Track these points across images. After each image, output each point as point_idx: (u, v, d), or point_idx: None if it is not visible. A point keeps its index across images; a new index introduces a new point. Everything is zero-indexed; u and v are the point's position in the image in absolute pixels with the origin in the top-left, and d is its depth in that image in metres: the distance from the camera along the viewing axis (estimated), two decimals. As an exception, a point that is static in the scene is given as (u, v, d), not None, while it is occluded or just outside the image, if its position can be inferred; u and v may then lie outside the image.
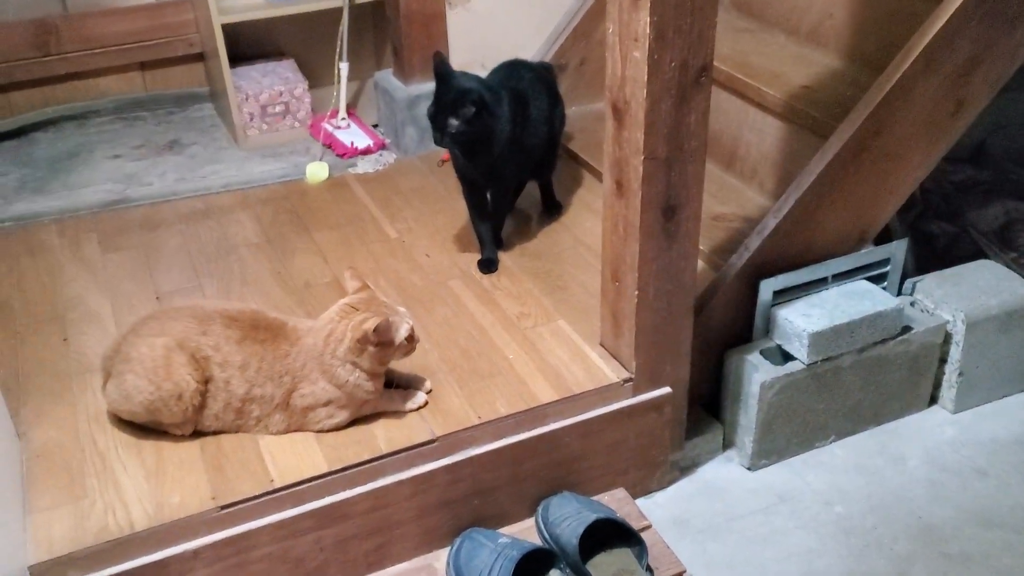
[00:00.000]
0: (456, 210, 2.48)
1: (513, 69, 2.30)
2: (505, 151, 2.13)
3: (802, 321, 1.96)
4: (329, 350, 1.69)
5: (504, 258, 2.26)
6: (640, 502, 1.95)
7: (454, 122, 2.02)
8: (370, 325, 1.65)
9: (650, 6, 1.49)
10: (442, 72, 2.06)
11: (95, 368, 1.86)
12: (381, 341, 1.68)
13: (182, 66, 3.02)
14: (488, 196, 2.25)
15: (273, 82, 2.86)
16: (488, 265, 2.23)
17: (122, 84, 2.98)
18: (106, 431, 1.76)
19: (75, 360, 1.95)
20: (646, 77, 1.55)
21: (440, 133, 2.05)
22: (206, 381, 1.67)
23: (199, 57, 3.01)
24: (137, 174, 2.68)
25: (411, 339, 1.73)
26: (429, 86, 2.69)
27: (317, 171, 2.68)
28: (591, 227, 2.37)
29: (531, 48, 2.85)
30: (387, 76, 2.87)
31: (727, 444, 2.11)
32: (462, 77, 2.08)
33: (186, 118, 3.01)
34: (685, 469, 2.06)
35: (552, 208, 2.44)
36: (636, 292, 1.75)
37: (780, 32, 2.56)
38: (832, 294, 2.05)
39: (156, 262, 2.28)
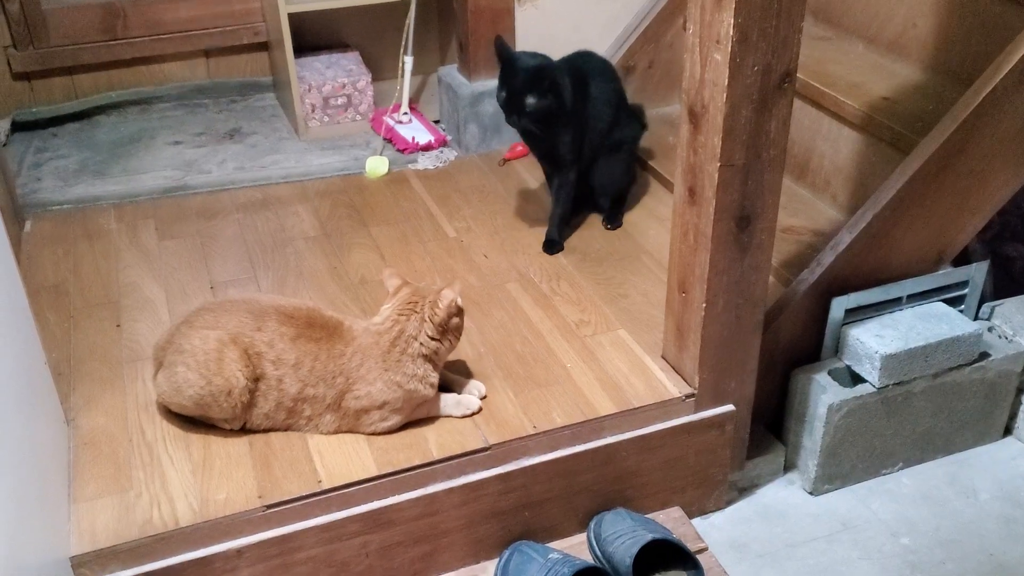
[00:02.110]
0: (515, 211, 2.43)
1: (580, 55, 2.31)
2: (564, 128, 2.14)
3: (875, 342, 1.88)
4: (398, 349, 1.65)
5: (564, 263, 2.20)
6: (696, 522, 1.88)
7: (531, 100, 2.04)
8: (449, 297, 1.66)
9: (735, 7, 1.42)
10: (505, 55, 2.10)
11: (147, 356, 1.84)
12: (460, 310, 1.70)
13: (246, 55, 3.01)
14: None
15: (336, 74, 2.83)
16: (548, 246, 2.26)
17: (186, 71, 2.97)
18: (154, 422, 1.73)
19: (127, 347, 1.93)
20: (727, 81, 1.48)
21: (517, 115, 2.07)
22: (257, 379, 1.63)
23: (264, 46, 2.99)
24: (197, 161, 2.66)
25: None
26: (494, 83, 2.64)
27: (377, 165, 2.64)
28: (655, 234, 2.30)
29: (599, 48, 2.77)
30: (451, 72, 2.82)
31: (788, 466, 2.02)
32: (527, 56, 2.12)
33: (248, 107, 2.99)
34: (744, 490, 1.98)
35: (611, 220, 2.36)
36: (704, 304, 1.68)
37: (859, 41, 2.46)
38: (907, 315, 1.96)
39: (212, 251, 2.26)
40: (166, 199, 2.50)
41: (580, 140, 2.20)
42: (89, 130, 2.84)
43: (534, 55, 2.13)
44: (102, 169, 2.62)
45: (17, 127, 2.80)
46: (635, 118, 2.38)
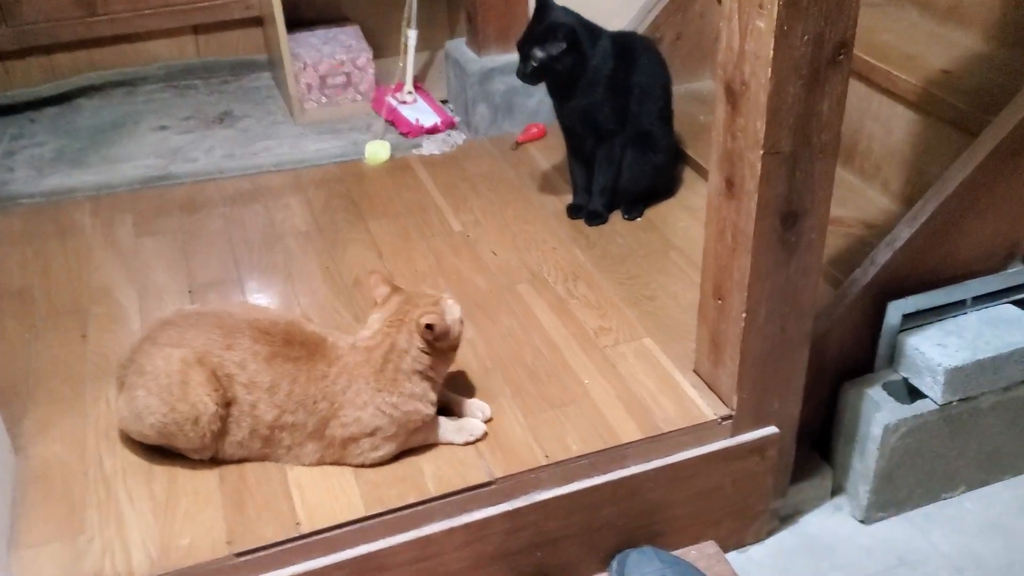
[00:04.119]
0: (528, 201, 2.20)
1: (633, 33, 2.21)
2: (603, 93, 2.00)
3: (937, 353, 1.64)
4: (392, 366, 1.44)
5: (582, 260, 1.97)
6: (732, 557, 1.66)
7: (539, 53, 1.94)
8: (425, 321, 1.43)
9: (783, -35, 1.19)
10: (542, 3, 1.99)
11: (113, 372, 1.63)
12: (439, 334, 1.45)
13: (238, 31, 2.78)
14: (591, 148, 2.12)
15: (334, 50, 2.60)
16: (575, 211, 2.14)
17: (174, 49, 2.76)
18: (115, 451, 1.52)
19: (92, 362, 1.72)
20: (771, 52, 1.25)
21: (524, 63, 1.97)
22: (228, 404, 1.42)
23: (257, 21, 2.77)
24: (183, 148, 2.45)
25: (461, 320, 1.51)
26: (505, 58, 2.44)
27: (377, 151, 2.41)
28: (684, 227, 2.07)
29: (622, 19, 2.55)
30: (459, 46, 2.58)
31: (836, 490, 1.80)
32: (561, 11, 1.99)
33: (240, 88, 2.77)
34: (786, 519, 1.76)
35: (630, 210, 2.13)
36: (744, 314, 1.45)
37: (912, 7, 2.20)
38: (972, 321, 1.72)
39: (194, 250, 2.04)
40: (147, 190, 2.29)
41: (625, 109, 2.04)
42: (69, 115, 2.63)
43: (571, 13, 2.00)
44: (80, 157, 2.41)
45: (-7, 112, 2.60)
46: (674, 137, 2.21)
